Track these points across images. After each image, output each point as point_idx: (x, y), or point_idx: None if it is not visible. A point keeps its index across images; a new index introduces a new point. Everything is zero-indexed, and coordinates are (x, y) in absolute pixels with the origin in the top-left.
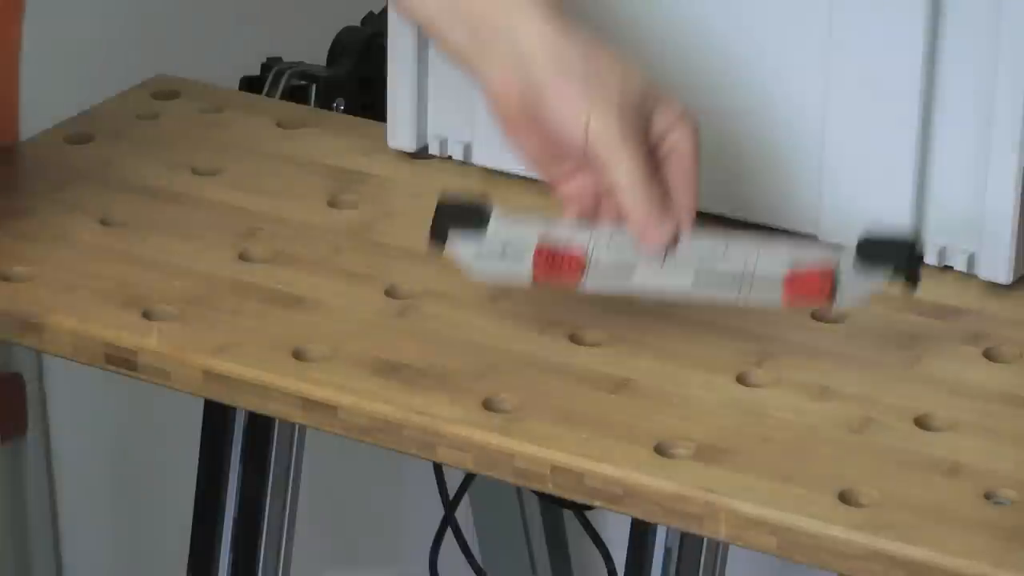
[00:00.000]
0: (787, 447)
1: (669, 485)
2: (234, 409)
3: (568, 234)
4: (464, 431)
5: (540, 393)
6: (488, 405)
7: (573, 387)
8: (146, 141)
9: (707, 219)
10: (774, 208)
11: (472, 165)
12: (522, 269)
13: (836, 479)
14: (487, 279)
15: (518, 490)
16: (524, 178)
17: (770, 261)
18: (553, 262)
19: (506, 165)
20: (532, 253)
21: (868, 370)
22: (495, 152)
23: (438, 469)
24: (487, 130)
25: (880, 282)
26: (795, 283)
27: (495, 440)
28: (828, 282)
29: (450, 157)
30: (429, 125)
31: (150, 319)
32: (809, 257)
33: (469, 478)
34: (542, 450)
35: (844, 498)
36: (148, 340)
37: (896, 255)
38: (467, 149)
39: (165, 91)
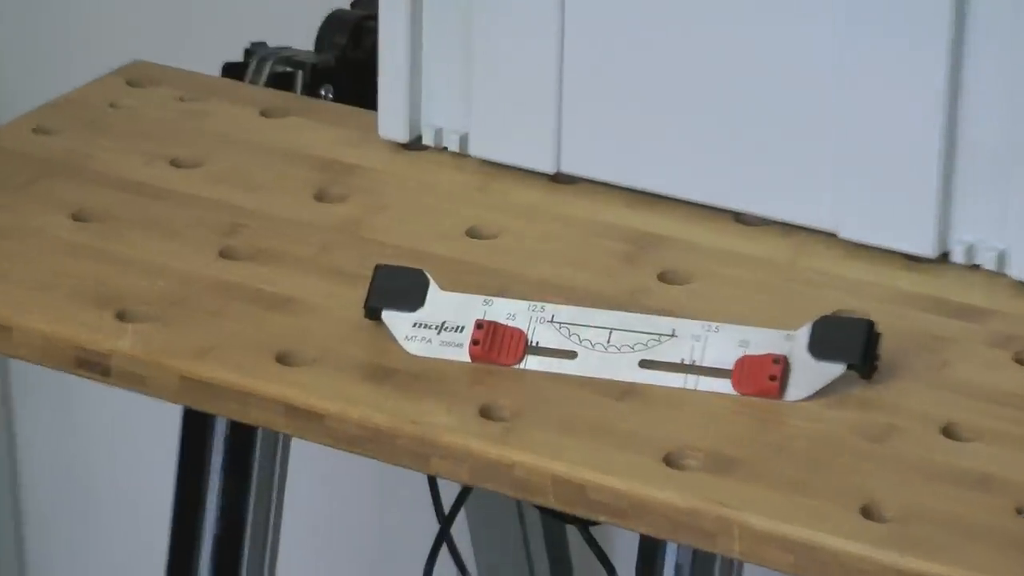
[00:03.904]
0: (805, 457)
1: (679, 498)
2: (215, 415)
3: (508, 312)
4: (460, 440)
5: (541, 400)
6: (485, 413)
7: (576, 393)
8: (121, 132)
9: (718, 214)
10: (790, 202)
11: (469, 157)
12: (460, 348)
13: (857, 492)
14: (423, 355)
15: (518, 504)
16: (524, 171)
17: (719, 346)
18: (492, 342)
19: (505, 157)
20: (471, 331)
21: (891, 375)
22: (493, 143)
23: (432, 481)
24: (485, 120)
25: (835, 372)
26: (745, 368)
27: (493, 450)
28: (780, 368)
29: (445, 148)
30: (423, 114)
31: (124, 320)
32: (760, 341)
33: (465, 491)
34: (543, 460)
35: (866, 512)
36: (122, 343)
37: (852, 344)
38: (463, 140)
39: (142, 78)
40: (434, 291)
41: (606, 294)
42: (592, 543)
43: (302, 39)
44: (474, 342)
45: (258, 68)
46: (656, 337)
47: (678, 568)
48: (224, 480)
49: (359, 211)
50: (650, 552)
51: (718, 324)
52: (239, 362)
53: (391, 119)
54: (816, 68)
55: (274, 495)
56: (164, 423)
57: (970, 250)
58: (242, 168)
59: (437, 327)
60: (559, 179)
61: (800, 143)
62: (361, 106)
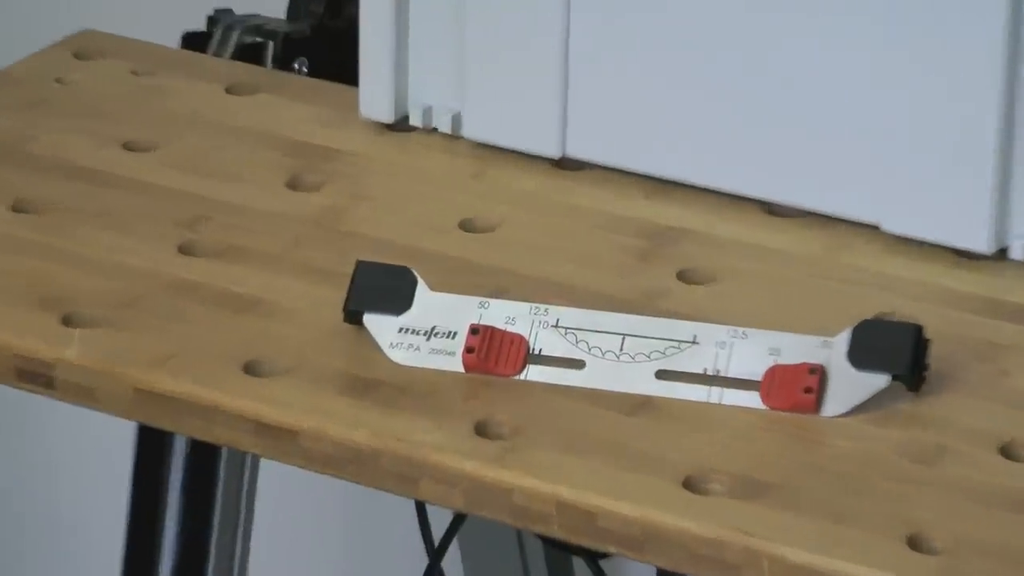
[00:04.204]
0: (844, 481)
1: (700, 527)
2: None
3: (507, 315)
4: (452, 461)
5: (544, 415)
6: (481, 430)
7: (584, 408)
8: (67, 111)
9: (745, 204)
10: (826, 191)
11: (462, 139)
12: (452, 356)
13: (903, 520)
14: (410, 364)
15: (518, 533)
16: (525, 155)
17: (746, 354)
18: (489, 350)
19: (504, 139)
20: (465, 338)
21: (941, 387)
22: (490, 123)
23: (421, 508)
24: (481, 97)
25: (879, 384)
26: (776, 379)
27: (489, 472)
28: (816, 379)
29: (435, 129)
30: (410, 91)
31: (71, 325)
32: (794, 348)
33: (458, 519)
34: (546, 484)
35: (913, 543)
36: (68, 351)
37: (897, 352)
38: (456, 120)
39: (91, 50)
40: (423, 292)
41: (618, 295)
42: None
43: (273, 6)
44: (468, 350)
45: (223, 38)
46: (675, 344)
47: None
48: (184, 502)
49: (338, 200)
50: None
51: (745, 329)
52: (201, 372)
53: (374, 96)
54: (859, 42)
55: (240, 520)
56: (116, 438)
57: None
58: (205, 152)
59: (426, 333)
60: (565, 164)
61: (839, 125)
62: (340, 81)
